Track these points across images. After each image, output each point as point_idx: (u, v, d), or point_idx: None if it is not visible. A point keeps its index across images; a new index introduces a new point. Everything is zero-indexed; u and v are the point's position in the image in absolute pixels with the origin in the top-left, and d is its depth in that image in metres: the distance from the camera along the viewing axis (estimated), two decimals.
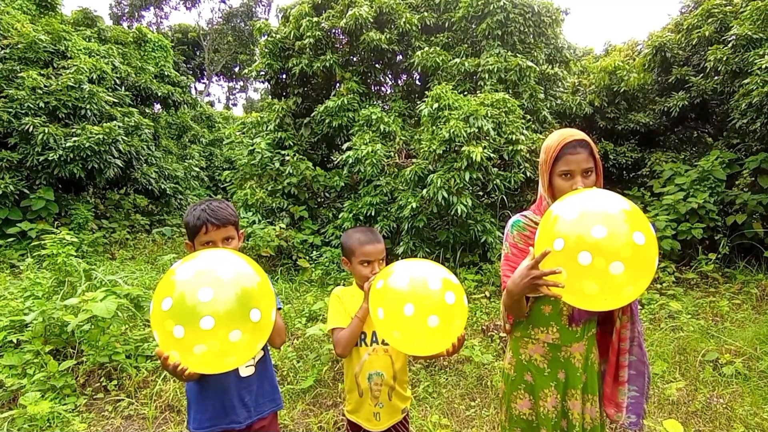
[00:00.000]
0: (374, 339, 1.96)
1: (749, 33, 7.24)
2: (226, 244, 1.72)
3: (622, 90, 9.05)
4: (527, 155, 6.95)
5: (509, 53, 8.14)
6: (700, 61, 8.50)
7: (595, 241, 1.35)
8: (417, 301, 1.54)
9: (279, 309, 1.82)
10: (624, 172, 9.29)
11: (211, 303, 1.30)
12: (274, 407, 1.90)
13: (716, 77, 8.13)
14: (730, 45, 7.52)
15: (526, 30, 8.53)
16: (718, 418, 3.35)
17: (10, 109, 8.54)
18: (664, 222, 6.83)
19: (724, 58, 7.52)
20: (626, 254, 1.34)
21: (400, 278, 1.60)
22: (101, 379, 3.75)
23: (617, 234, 1.36)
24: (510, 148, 6.75)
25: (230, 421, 1.77)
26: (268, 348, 1.91)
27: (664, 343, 4.47)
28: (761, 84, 6.72)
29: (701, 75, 8.44)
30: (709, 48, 7.93)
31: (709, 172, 7.20)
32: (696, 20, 8.59)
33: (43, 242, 5.14)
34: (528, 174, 6.97)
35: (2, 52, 9.20)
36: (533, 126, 7.92)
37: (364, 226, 2.12)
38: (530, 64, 7.96)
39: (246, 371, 1.81)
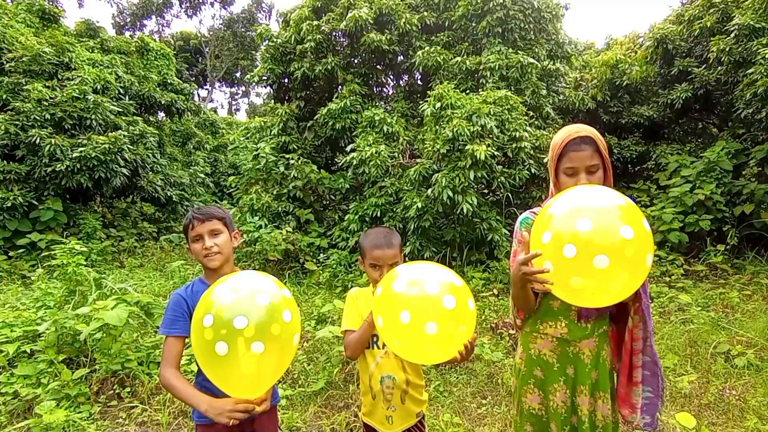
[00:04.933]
0: None
1: (751, 23, 7.20)
2: (214, 237, 1.86)
3: (624, 83, 9.03)
4: (531, 152, 6.94)
5: (510, 50, 8.13)
6: (703, 52, 8.47)
7: (580, 233, 1.35)
8: (413, 308, 1.47)
9: None
10: (629, 166, 9.27)
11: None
12: (272, 402, 1.93)
13: (719, 68, 8.09)
14: (732, 35, 7.49)
15: (527, 26, 8.51)
16: (731, 410, 3.35)
17: (17, 122, 8.61)
18: (671, 214, 6.80)
19: (727, 49, 7.49)
20: (612, 248, 1.33)
21: (397, 284, 1.55)
22: (114, 387, 3.76)
23: (603, 227, 1.35)
24: (514, 145, 6.75)
25: None
26: None
27: (675, 336, 4.47)
28: (766, 73, 6.70)
29: (704, 66, 8.41)
30: (712, 38, 7.90)
31: (716, 163, 7.17)
32: (697, 11, 8.57)
33: (52, 252, 5.17)
34: (532, 171, 6.96)
35: (7, 65, 9.28)
36: (536, 122, 7.91)
37: (383, 227, 2.08)
38: (531, 60, 7.94)
39: None
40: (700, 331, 4.52)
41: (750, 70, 7.07)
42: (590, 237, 1.34)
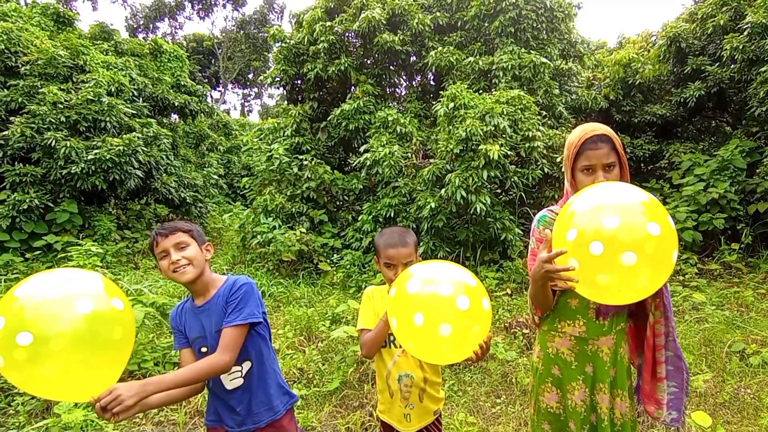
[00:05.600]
0: None
1: (764, 21, 7.16)
2: (181, 250, 1.78)
3: (637, 82, 8.99)
4: (544, 151, 6.94)
5: (523, 50, 8.13)
6: (716, 50, 8.42)
7: (607, 230, 1.33)
8: (426, 310, 1.45)
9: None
10: (642, 165, 9.23)
11: None
12: (272, 416, 1.91)
13: (733, 66, 8.04)
14: (745, 33, 7.44)
15: (539, 26, 8.51)
16: (745, 408, 3.36)
17: (33, 125, 8.58)
18: (684, 213, 6.79)
19: (740, 47, 7.44)
20: (639, 245, 1.32)
21: (411, 285, 1.52)
22: None
23: (630, 224, 1.34)
24: (527, 145, 6.75)
25: (225, 424, 1.89)
26: (261, 358, 1.91)
27: (689, 335, 4.46)
28: None
29: (717, 64, 8.35)
30: (725, 37, 7.85)
31: (729, 161, 7.13)
32: (710, 9, 8.51)
33: (68, 254, 5.18)
34: (546, 170, 6.96)
35: (23, 68, 9.27)
36: (549, 122, 7.90)
37: (398, 226, 2.06)
38: (544, 60, 7.94)
39: (232, 384, 1.85)
40: (714, 330, 4.50)
41: (763, 68, 7.05)
42: (617, 234, 1.32)
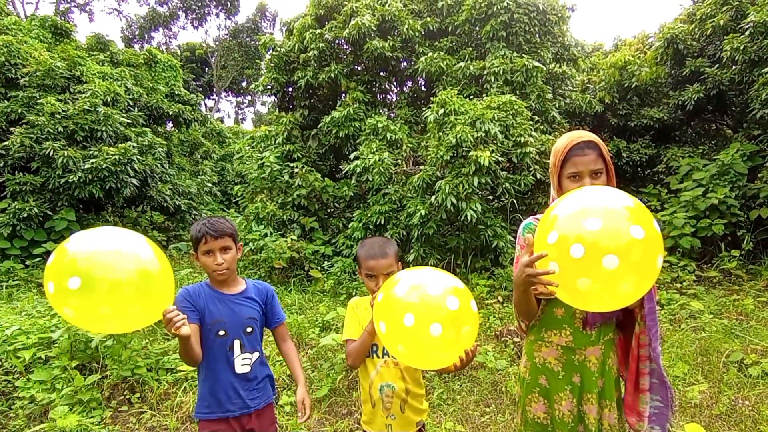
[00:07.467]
0: (386, 351, 1.98)
1: (767, 20, 7.02)
2: (224, 253, 1.98)
3: (633, 85, 8.89)
4: (537, 157, 6.84)
5: (515, 54, 8.04)
6: (716, 52, 8.30)
7: (588, 233, 1.30)
8: (416, 310, 1.47)
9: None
10: (638, 170, 9.09)
11: None
12: (267, 399, 2.14)
13: (733, 67, 7.91)
14: (747, 33, 7.32)
15: (532, 29, 8.43)
16: (743, 421, 3.25)
17: (32, 135, 8.81)
18: (682, 219, 6.63)
19: (742, 47, 7.33)
20: (622, 248, 1.27)
21: (399, 289, 1.55)
22: (125, 392, 3.87)
23: (613, 227, 1.30)
24: (519, 150, 6.65)
25: (226, 410, 2.01)
26: (261, 351, 2.15)
27: (685, 344, 4.37)
28: None
29: (717, 66, 8.23)
30: (725, 37, 7.73)
31: (730, 166, 6.99)
32: (710, 9, 8.40)
33: None
34: (538, 176, 6.86)
35: (22, 80, 9.50)
36: (542, 127, 7.80)
37: (379, 237, 2.12)
38: (537, 64, 7.85)
39: (242, 369, 2.04)
40: (712, 339, 4.40)
41: (766, 69, 6.92)
42: (599, 236, 1.29)
